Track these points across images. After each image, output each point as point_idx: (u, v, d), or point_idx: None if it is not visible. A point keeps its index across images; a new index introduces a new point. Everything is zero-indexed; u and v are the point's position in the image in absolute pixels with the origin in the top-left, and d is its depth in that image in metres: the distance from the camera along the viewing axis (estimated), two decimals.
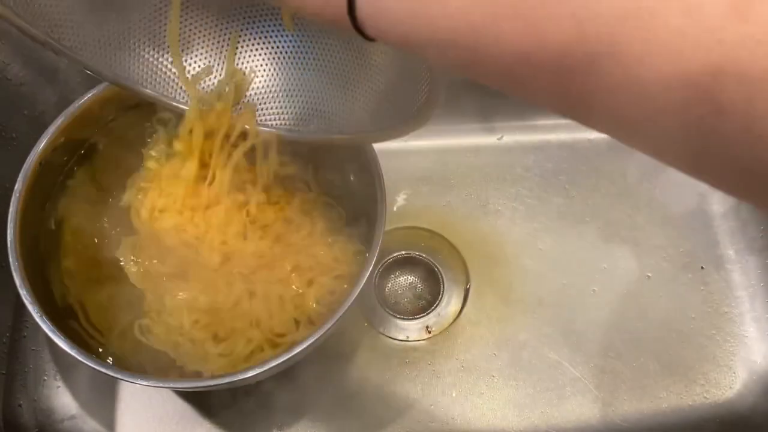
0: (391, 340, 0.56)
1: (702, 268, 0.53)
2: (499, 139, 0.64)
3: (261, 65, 0.45)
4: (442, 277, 0.58)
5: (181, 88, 0.45)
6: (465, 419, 0.54)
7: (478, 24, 0.22)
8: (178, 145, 0.47)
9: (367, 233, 0.49)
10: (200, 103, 0.44)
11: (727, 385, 0.55)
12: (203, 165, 0.47)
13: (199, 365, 0.46)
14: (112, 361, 0.45)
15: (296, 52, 0.44)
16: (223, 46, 0.45)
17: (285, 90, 0.45)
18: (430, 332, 0.57)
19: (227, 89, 0.45)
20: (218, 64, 0.45)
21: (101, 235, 0.50)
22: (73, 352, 0.41)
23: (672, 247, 0.58)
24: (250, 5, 0.43)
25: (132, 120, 0.52)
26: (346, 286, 0.48)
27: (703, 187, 0.36)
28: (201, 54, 0.45)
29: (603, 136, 0.25)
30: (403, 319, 0.57)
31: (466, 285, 0.58)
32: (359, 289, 0.43)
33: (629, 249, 0.57)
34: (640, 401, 0.53)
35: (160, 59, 0.44)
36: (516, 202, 0.61)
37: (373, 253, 0.44)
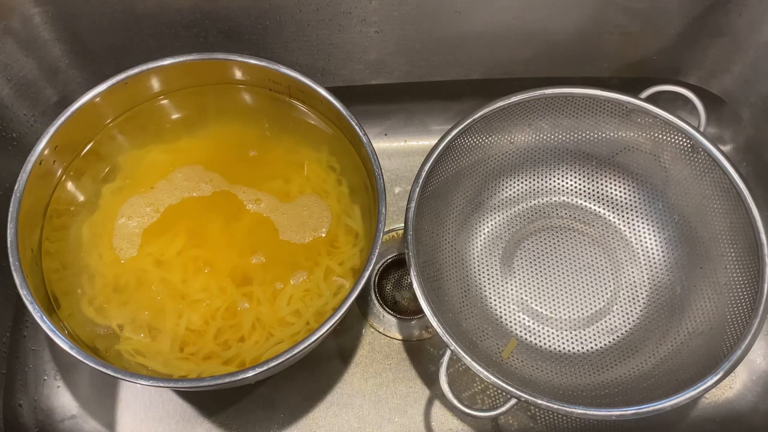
0: (391, 339, 0.56)
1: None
2: None
3: None
4: None
5: None
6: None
7: None
8: None
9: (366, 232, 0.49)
10: None
11: (727, 385, 0.56)
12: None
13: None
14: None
15: None
16: None
17: None
18: (430, 332, 0.57)
19: None
20: None
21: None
22: (73, 352, 0.41)
23: None
24: None
25: (132, 121, 0.53)
26: (347, 285, 0.48)
27: None
28: None
29: None
30: (403, 319, 0.57)
31: None
32: (359, 289, 0.43)
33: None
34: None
35: None
36: None
37: (373, 253, 0.44)
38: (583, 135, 0.56)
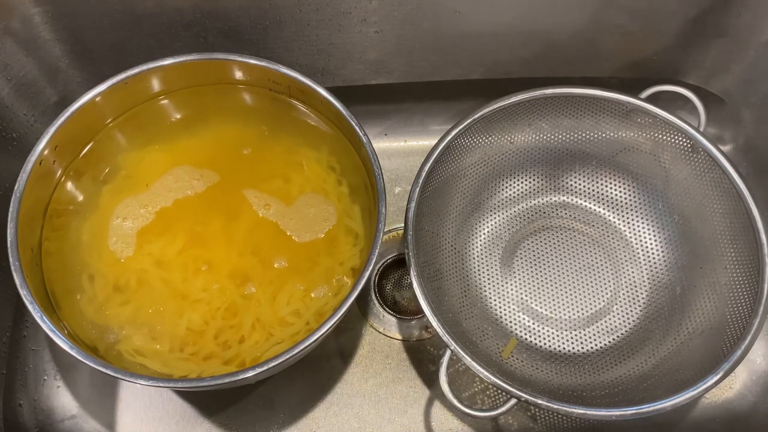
0: (391, 339, 0.56)
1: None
2: None
3: None
4: None
5: None
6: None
7: None
8: None
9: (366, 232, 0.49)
10: None
11: (727, 385, 0.56)
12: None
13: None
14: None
15: None
16: None
17: None
18: (430, 332, 0.57)
19: None
20: None
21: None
22: (73, 352, 0.41)
23: None
24: None
25: (132, 121, 0.53)
26: (348, 282, 0.48)
27: None
28: None
29: None
30: (403, 319, 0.57)
31: None
32: (359, 289, 0.43)
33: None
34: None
35: None
36: None
37: (373, 253, 0.44)
38: (583, 135, 0.56)
